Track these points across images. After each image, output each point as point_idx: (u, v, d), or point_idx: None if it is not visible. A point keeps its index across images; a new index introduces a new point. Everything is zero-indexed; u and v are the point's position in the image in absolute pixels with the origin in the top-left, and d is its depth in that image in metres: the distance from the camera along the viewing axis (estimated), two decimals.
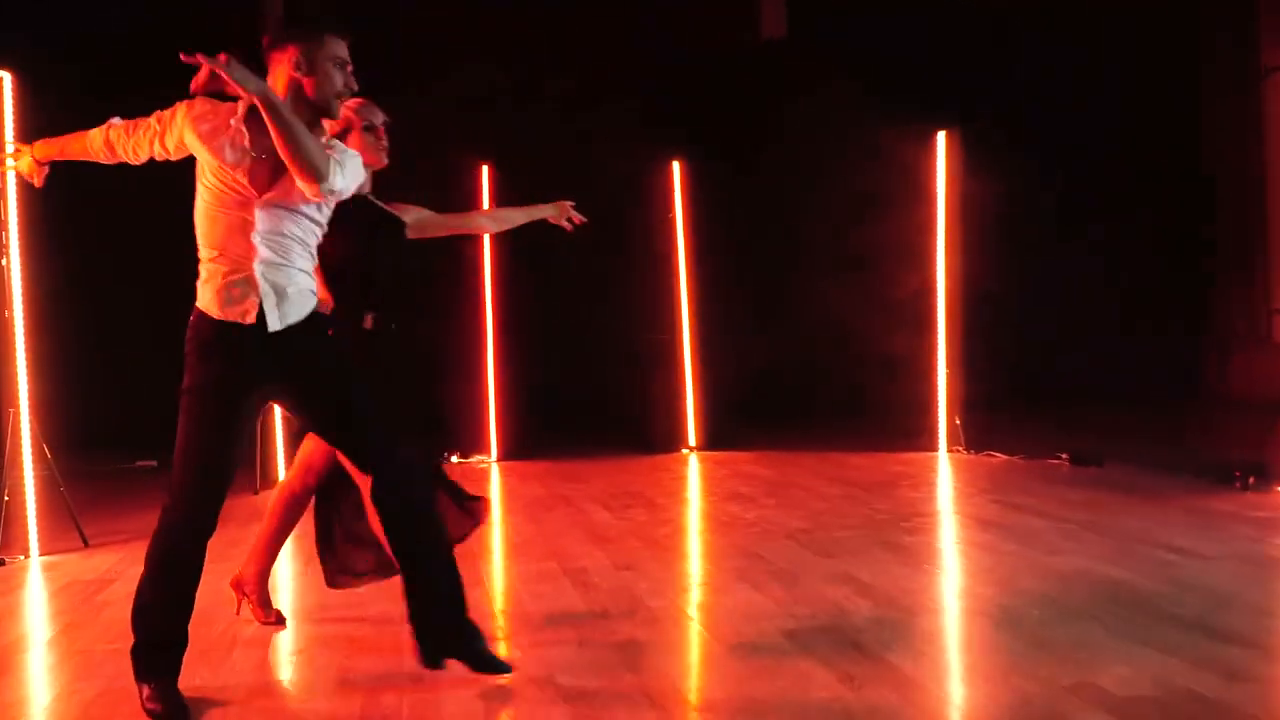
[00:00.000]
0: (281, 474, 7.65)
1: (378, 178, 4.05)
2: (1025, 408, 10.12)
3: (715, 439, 9.18)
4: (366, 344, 3.90)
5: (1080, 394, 10.41)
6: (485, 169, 8.96)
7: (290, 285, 3.30)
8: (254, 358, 3.27)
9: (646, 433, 9.39)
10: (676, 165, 9.33)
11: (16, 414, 5.49)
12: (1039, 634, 3.75)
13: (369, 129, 3.93)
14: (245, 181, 3.21)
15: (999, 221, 9.58)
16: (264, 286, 3.24)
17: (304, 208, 3.30)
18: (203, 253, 3.30)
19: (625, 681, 3.44)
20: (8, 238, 5.44)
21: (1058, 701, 3.12)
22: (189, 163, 3.34)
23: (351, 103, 3.80)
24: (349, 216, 3.70)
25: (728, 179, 9.86)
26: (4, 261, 5.46)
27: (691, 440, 9.17)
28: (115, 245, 9.29)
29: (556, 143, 9.67)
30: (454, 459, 8.92)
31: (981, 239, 8.99)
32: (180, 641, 3.34)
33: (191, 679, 3.44)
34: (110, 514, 6.61)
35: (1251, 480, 6.29)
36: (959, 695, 3.28)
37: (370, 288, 3.97)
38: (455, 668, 3.43)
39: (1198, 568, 4.57)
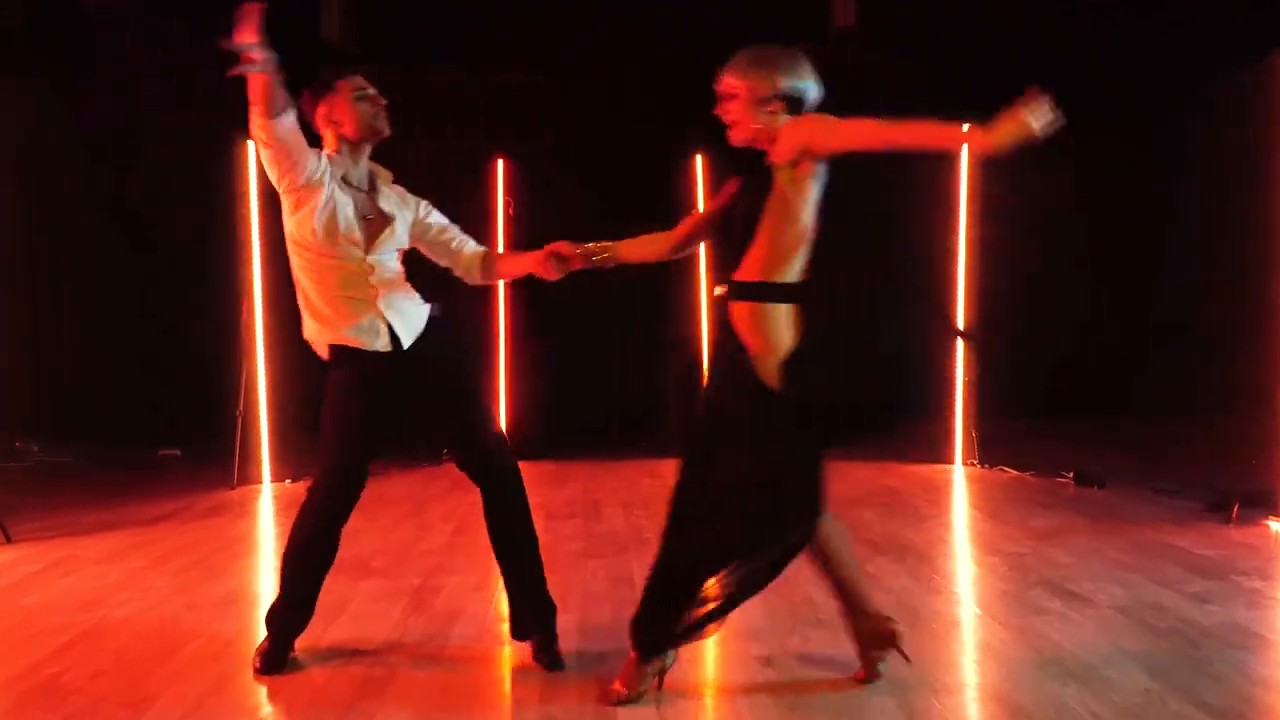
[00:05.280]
0: (267, 471, 7.60)
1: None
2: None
3: None
4: None
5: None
6: (500, 162, 8.80)
7: None
8: None
9: (666, 436, 9.08)
10: (699, 159, 8.96)
11: None
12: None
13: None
14: None
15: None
16: None
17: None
18: None
19: None
20: None
21: None
22: None
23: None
24: None
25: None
26: None
27: None
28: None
29: (582, 133, 9.43)
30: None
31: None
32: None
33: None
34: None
35: (1235, 512, 5.57)
36: None
37: None
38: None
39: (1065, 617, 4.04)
